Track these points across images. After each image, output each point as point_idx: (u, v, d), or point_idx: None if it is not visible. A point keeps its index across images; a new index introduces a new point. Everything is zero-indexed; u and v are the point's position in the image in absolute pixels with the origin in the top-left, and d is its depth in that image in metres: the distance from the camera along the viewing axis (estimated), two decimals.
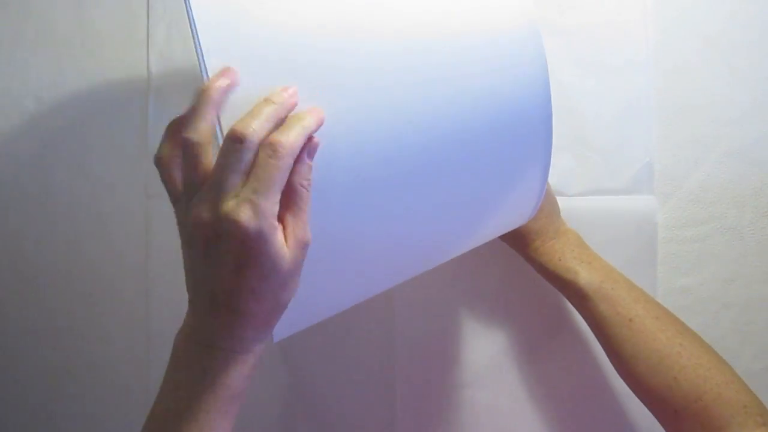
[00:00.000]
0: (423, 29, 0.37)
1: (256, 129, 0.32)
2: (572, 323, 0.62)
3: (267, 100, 0.33)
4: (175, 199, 0.37)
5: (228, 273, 0.33)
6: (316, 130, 0.33)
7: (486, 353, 0.63)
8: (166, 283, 0.62)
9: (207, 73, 0.33)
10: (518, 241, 0.54)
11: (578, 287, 0.51)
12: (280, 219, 0.33)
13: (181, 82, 0.63)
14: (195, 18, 0.34)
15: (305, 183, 0.33)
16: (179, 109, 0.63)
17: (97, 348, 0.62)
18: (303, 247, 0.34)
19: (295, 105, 0.34)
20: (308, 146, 0.33)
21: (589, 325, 0.52)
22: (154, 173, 0.62)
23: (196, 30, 0.34)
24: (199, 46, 0.34)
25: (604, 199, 0.63)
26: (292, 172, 0.33)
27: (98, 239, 0.63)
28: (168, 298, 0.62)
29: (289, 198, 0.33)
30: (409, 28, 0.37)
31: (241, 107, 0.33)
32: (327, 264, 0.37)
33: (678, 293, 0.62)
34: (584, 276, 0.51)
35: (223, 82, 0.33)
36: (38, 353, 0.62)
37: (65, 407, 0.62)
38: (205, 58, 0.33)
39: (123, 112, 0.63)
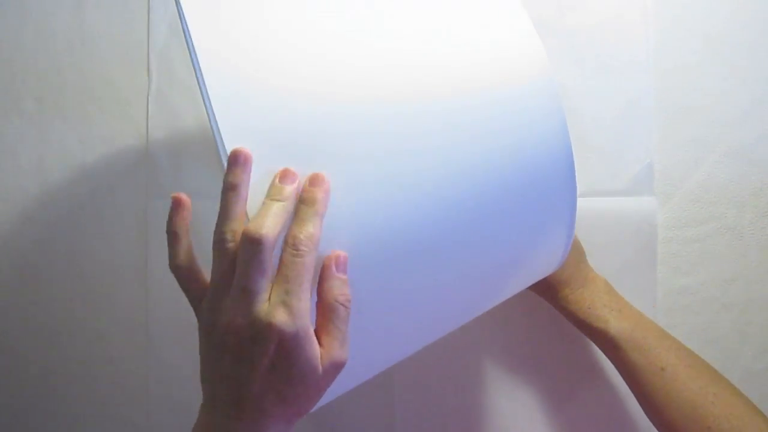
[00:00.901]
0: (436, 91, 0.37)
1: (269, 227, 0.32)
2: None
3: (273, 198, 0.33)
4: (197, 302, 0.36)
5: (259, 376, 0.32)
6: (327, 203, 0.33)
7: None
8: (166, 283, 0.62)
9: (226, 155, 0.33)
10: (547, 290, 0.54)
11: (609, 336, 0.51)
12: (316, 335, 0.33)
13: (182, 82, 0.63)
14: (209, 89, 0.34)
15: (341, 299, 0.33)
16: (179, 109, 0.63)
17: (97, 348, 0.62)
18: (337, 367, 0.33)
19: (298, 194, 0.34)
20: (337, 261, 0.33)
21: (621, 373, 0.52)
22: (154, 173, 0.63)
23: (210, 103, 0.34)
24: (216, 126, 0.34)
25: (604, 201, 0.62)
26: (326, 289, 0.33)
27: (98, 239, 0.63)
28: (168, 298, 0.62)
29: (326, 315, 0.33)
30: (423, 91, 0.36)
31: (256, 185, 0.33)
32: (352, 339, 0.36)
33: (678, 293, 0.62)
34: (615, 324, 0.51)
35: (246, 178, 0.33)
36: (38, 353, 0.62)
37: (65, 407, 0.62)
38: (225, 145, 0.33)
39: (123, 112, 0.63)
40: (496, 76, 0.38)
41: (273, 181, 0.34)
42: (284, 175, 0.33)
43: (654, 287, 0.62)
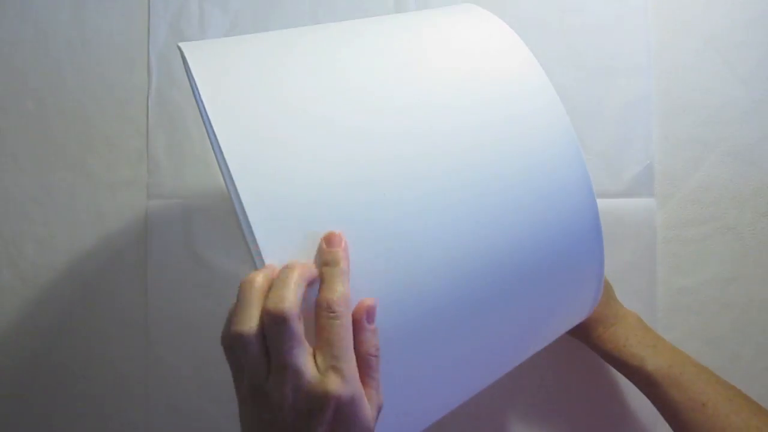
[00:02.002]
0: (466, 164, 0.37)
1: (290, 299, 0.31)
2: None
3: (290, 267, 0.32)
4: (241, 379, 0.35)
5: None
6: (348, 260, 0.33)
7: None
8: (166, 283, 0.62)
9: (261, 257, 0.33)
10: (580, 331, 0.54)
11: (646, 373, 0.50)
12: None
13: (182, 82, 0.63)
14: (234, 176, 0.34)
15: (373, 350, 0.33)
16: (179, 109, 0.63)
17: (96, 348, 0.62)
18: (378, 410, 0.34)
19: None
20: (366, 311, 0.33)
21: (660, 410, 0.51)
22: (154, 173, 0.63)
23: (238, 196, 0.33)
24: (245, 219, 0.33)
25: (603, 202, 0.62)
26: (359, 341, 0.33)
27: (98, 239, 0.63)
28: (168, 298, 0.62)
29: (361, 368, 0.33)
30: (453, 162, 0.37)
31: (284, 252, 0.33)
32: (389, 399, 0.36)
33: (678, 293, 0.62)
34: (651, 362, 0.50)
35: (269, 271, 0.33)
36: (38, 353, 0.62)
37: (65, 407, 0.62)
38: (258, 246, 0.33)
39: (123, 112, 0.63)
40: (525, 149, 0.38)
41: (320, 247, 0.33)
42: (331, 239, 0.33)
43: (654, 287, 0.62)
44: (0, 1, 0.64)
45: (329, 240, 0.33)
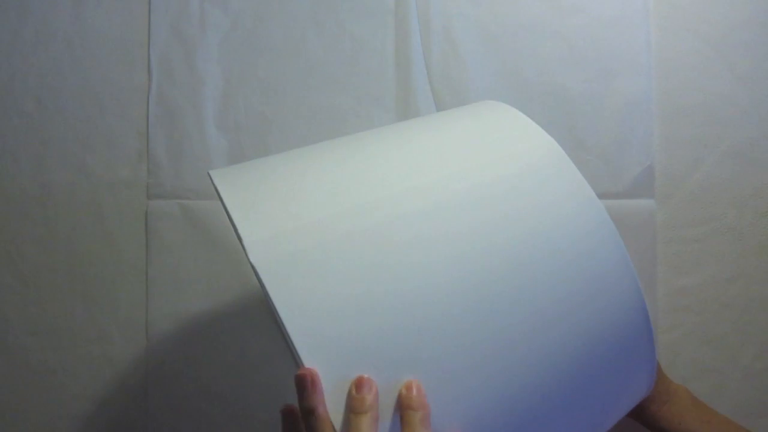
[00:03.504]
0: (527, 295, 0.37)
1: None
2: None
3: (357, 412, 0.32)
4: None
5: None
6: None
7: None
8: (166, 282, 0.62)
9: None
10: (634, 410, 0.53)
11: None
12: None
13: (182, 82, 0.63)
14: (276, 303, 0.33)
15: None
16: (180, 109, 0.63)
17: (97, 348, 0.62)
18: None
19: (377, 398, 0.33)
20: None
21: None
22: (154, 173, 0.63)
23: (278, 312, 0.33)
24: (288, 332, 0.33)
25: (604, 203, 0.62)
26: None
27: (98, 239, 0.63)
28: (168, 297, 0.62)
29: None
30: (516, 294, 0.37)
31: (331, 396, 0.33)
32: None
33: (678, 293, 0.62)
34: None
35: (320, 397, 0.33)
36: (38, 353, 0.62)
37: (65, 407, 0.62)
38: (300, 356, 0.33)
39: (123, 112, 0.63)
40: (583, 273, 0.39)
41: (350, 391, 0.33)
42: (360, 384, 0.33)
43: (654, 287, 0.62)
44: (0, 2, 0.64)
45: (410, 386, 0.33)
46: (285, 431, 0.40)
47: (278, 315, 0.33)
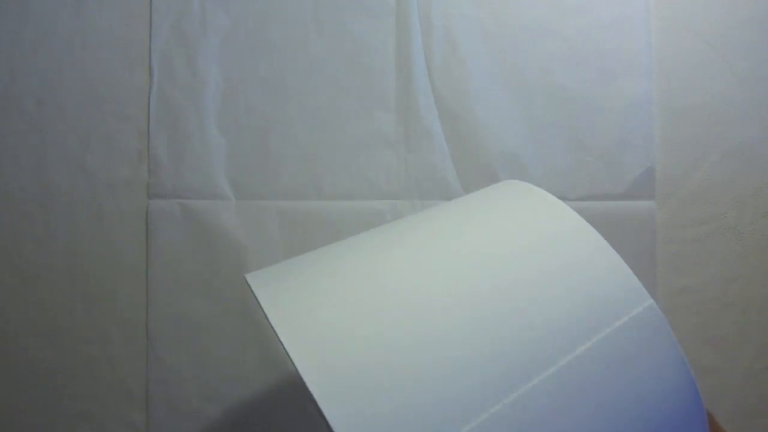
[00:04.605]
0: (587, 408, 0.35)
1: None
2: None
3: None
4: None
5: None
6: None
7: None
8: (166, 282, 0.62)
9: None
10: None
11: None
12: None
13: (183, 82, 0.63)
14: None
15: None
16: (180, 109, 0.63)
17: (97, 348, 0.62)
18: None
19: None
20: None
21: None
22: (154, 173, 0.63)
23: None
24: None
25: (604, 204, 0.63)
26: None
27: (98, 239, 0.63)
28: (168, 297, 0.62)
29: None
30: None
31: None
32: None
33: (678, 293, 0.62)
34: None
35: None
36: (38, 353, 0.62)
37: (65, 407, 0.62)
38: None
39: (123, 112, 0.63)
40: (640, 384, 0.36)
41: None
42: None
43: (654, 287, 0.62)
44: (0, 2, 0.64)
45: None
46: None
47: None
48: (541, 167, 0.63)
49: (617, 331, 0.37)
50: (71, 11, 0.64)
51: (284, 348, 0.35)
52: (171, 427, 0.61)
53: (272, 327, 0.36)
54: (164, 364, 0.62)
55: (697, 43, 0.63)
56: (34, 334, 0.62)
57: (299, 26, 0.64)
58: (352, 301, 0.37)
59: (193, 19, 0.64)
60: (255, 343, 0.62)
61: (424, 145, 0.63)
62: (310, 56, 0.64)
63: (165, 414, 0.61)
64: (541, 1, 0.64)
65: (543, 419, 0.34)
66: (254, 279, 0.40)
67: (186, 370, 0.62)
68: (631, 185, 0.63)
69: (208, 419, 0.61)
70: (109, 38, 0.64)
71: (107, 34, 0.64)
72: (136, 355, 0.62)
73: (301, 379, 0.33)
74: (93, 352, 0.62)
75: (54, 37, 0.64)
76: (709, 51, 0.63)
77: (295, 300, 0.38)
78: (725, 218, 0.62)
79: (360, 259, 0.41)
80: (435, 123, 0.63)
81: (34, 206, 0.63)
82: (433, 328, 0.35)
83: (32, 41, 0.64)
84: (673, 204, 0.63)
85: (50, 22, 0.64)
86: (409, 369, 0.34)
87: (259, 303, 0.38)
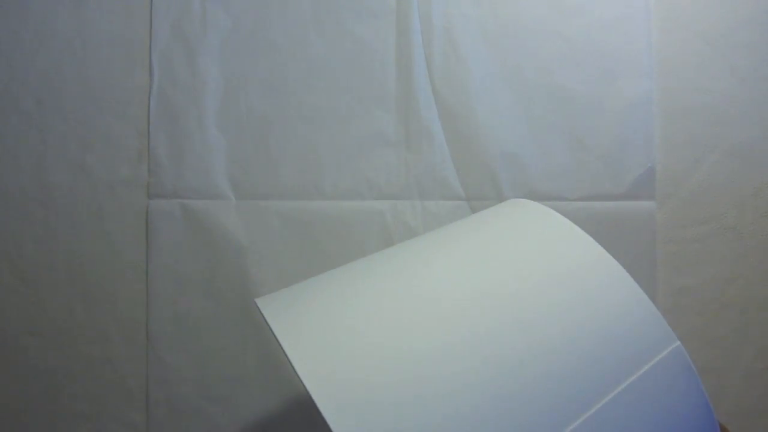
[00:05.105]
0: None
1: None
2: None
3: None
4: None
5: None
6: None
7: None
8: (166, 282, 0.62)
9: None
10: None
11: None
12: None
13: (183, 82, 0.63)
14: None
15: None
16: (180, 109, 0.63)
17: (96, 348, 0.62)
18: None
19: None
20: None
21: None
22: (154, 173, 0.63)
23: None
24: None
25: (604, 204, 0.63)
26: None
27: (98, 239, 0.63)
28: (168, 297, 0.62)
29: None
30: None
31: None
32: None
33: (678, 293, 0.62)
34: None
35: None
36: (38, 353, 0.62)
37: (65, 407, 0.62)
38: None
39: (123, 112, 0.63)
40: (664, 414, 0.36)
41: None
42: None
43: (654, 287, 0.62)
44: (0, 2, 0.64)
45: None
46: None
47: None
48: (541, 167, 0.63)
49: (646, 373, 0.36)
50: (71, 11, 0.64)
51: (293, 368, 0.35)
52: (171, 427, 0.61)
53: (286, 355, 0.36)
54: (164, 364, 0.62)
55: (697, 43, 0.63)
56: (34, 334, 0.62)
57: (299, 26, 0.64)
58: (371, 342, 0.36)
59: (194, 19, 0.64)
60: (255, 343, 0.62)
61: (424, 145, 0.63)
62: (310, 56, 0.64)
63: (165, 414, 0.61)
64: (541, 1, 0.64)
65: None
66: (265, 305, 0.40)
67: (186, 370, 0.62)
68: (632, 185, 0.63)
69: (208, 419, 0.61)
70: (109, 38, 0.64)
71: (107, 34, 0.64)
72: (136, 355, 0.62)
73: (311, 398, 0.33)
74: (93, 352, 0.62)
75: (54, 37, 0.64)
76: (710, 51, 0.63)
77: (309, 326, 0.38)
78: (725, 218, 0.62)
79: (377, 293, 0.40)
80: (435, 123, 0.63)
81: (34, 206, 0.63)
82: (469, 367, 0.34)
83: (32, 41, 0.64)
84: (673, 204, 0.63)
85: (50, 22, 0.64)
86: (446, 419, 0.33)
87: (268, 325, 0.37)
